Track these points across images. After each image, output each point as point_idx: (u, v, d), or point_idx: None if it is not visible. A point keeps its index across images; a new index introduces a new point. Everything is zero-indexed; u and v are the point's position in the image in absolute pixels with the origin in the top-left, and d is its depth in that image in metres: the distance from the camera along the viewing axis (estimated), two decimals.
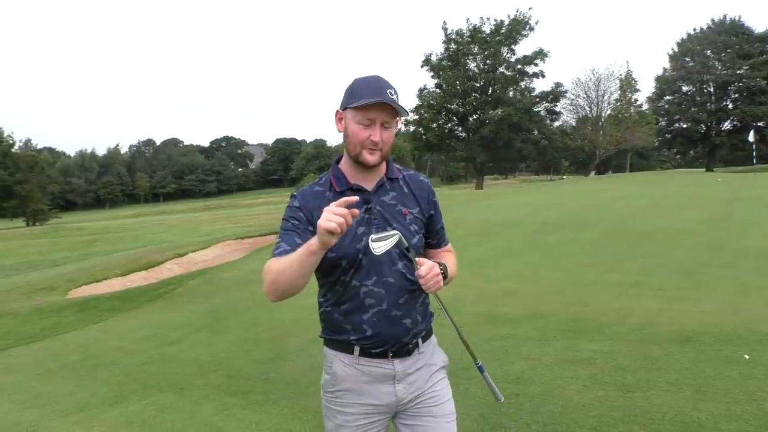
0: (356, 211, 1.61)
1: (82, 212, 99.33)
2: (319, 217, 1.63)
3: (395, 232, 1.79)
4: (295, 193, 1.98)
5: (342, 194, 1.89)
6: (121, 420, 4.63)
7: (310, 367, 5.47)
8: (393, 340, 1.92)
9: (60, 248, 29.96)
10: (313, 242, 1.65)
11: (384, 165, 1.99)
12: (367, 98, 1.82)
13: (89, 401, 5.22)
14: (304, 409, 4.40)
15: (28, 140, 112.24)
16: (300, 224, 1.89)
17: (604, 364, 4.78)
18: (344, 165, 1.99)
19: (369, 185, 1.96)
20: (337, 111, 1.95)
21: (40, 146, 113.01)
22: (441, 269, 1.88)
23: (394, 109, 1.85)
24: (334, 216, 1.57)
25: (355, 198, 1.64)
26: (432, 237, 2.09)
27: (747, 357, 4.64)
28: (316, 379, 5.05)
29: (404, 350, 1.95)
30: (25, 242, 35.35)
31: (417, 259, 1.84)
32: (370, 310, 1.89)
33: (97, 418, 4.76)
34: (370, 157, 1.88)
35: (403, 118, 1.99)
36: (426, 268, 1.80)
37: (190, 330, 7.86)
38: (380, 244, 1.75)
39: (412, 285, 1.92)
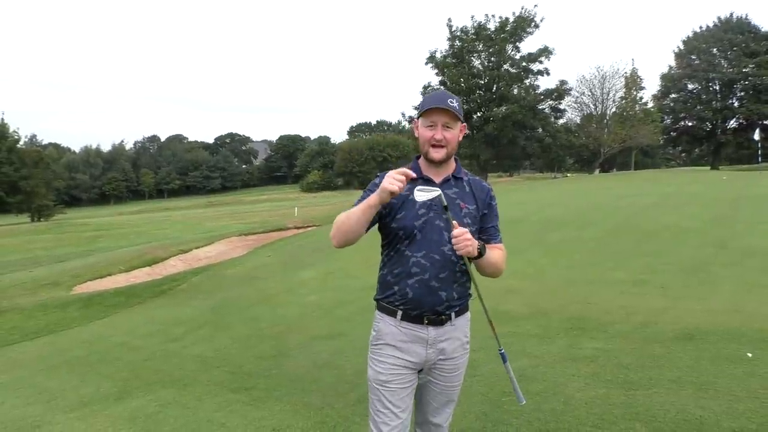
0: (412, 174, 2.13)
1: (87, 208, 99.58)
2: None
3: (437, 189, 2.18)
4: (379, 174, 2.34)
5: (414, 181, 2.30)
6: (125, 415, 4.65)
7: (313, 364, 5.49)
8: (428, 307, 2.32)
9: (65, 244, 30.08)
10: (373, 197, 2.17)
11: (453, 165, 2.44)
12: (429, 105, 2.30)
13: (93, 397, 5.25)
14: (306, 406, 4.42)
15: (34, 136, 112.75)
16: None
17: (607, 361, 4.78)
18: (421, 161, 2.43)
19: (437, 179, 2.39)
20: (414, 120, 2.45)
21: (45, 142, 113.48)
22: (479, 246, 2.25)
23: (454, 114, 2.29)
24: (394, 180, 2.09)
25: (412, 174, 2.14)
26: (483, 233, 2.46)
27: (750, 355, 4.63)
28: (319, 376, 5.05)
29: (438, 320, 2.35)
30: (30, 238, 35.48)
31: (454, 222, 2.19)
32: (414, 277, 2.31)
33: (101, 413, 4.78)
34: (435, 154, 2.33)
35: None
36: (461, 230, 2.18)
37: (193, 326, 7.89)
38: (422, 194, 2.15)
39: (455, 265, 2.33)
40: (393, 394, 2.35)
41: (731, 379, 4.18)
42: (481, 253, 2.27)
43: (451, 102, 2.30)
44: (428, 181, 2.36)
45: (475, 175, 2.54)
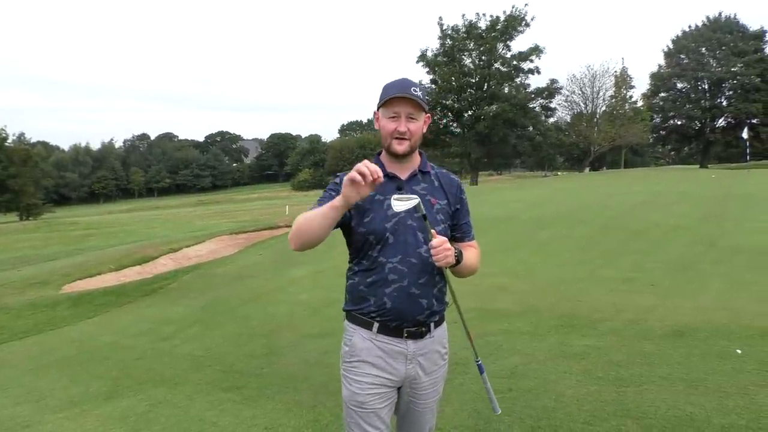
0: (379, 171, 1.85)
1: (76, 207, 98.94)
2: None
3: (416, 197, 1.96)
4: (339, 174, 2.19)
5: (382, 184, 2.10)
6: (115, 415, 4.62)
7: (304, 363, 5.48)
8: (409, 316, 2.14)
9: (54, 243, 29.87)
10: (337, 199, 1.93)
11: (418, 159, 2.25)
12: (391, 94, 2.10)
13: (83, 396, 5.21)
14: (298, 404, 4.41)
15: (22, 134, 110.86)
16: (335, 194, 2.07)
17: (597, 359, 4.80)
18: (383, 156, 2.24)
19: (403, 175, 2.21)
20: (374, 112, 2.22)
21: (33, 140, 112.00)
22: (456, 253, 2.08)
23: (418, 104, 2.10)
24: (361, 168, 1.84)
25: (381, 175, 1.87)
26: (457, 230, 2.30)
27: (739, 352, 4.67)
28: (310, 375, 5.03)
29: (418, 332, 2.17)
30: (18, 237, 35.20)
31: (433, 231, 2.03)
32: (392, 285, 2.12)
33: (90, 413, 4.75)
34: (398, 147, 2.14)
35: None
36: (440, 240, 2.02)
37: (183, 325, 7.85)
38: (400, 203, 1.94)
39: (433, 269, 2.13)
40: (371, 416, 2.15)
41: (721, 376, 4.21)
42: (458, 260, 2.12)
43: (415, 90, 2.10)
44: (394, 178, 2.19)
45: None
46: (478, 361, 2.38)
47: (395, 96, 2.09)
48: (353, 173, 1.84)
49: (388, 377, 2.17)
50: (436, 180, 2.27)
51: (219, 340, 6.83)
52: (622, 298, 6.77)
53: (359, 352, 2.17)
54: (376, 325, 2.15)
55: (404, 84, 2.13)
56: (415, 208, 1.97)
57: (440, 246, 2.01)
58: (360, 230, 2.14)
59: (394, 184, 2.18)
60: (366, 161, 1.89)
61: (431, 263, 2.09)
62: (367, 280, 2.15)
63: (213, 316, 8.27)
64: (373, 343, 2.16)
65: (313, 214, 2.01)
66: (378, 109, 2.18)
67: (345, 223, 2.16)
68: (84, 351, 7.10)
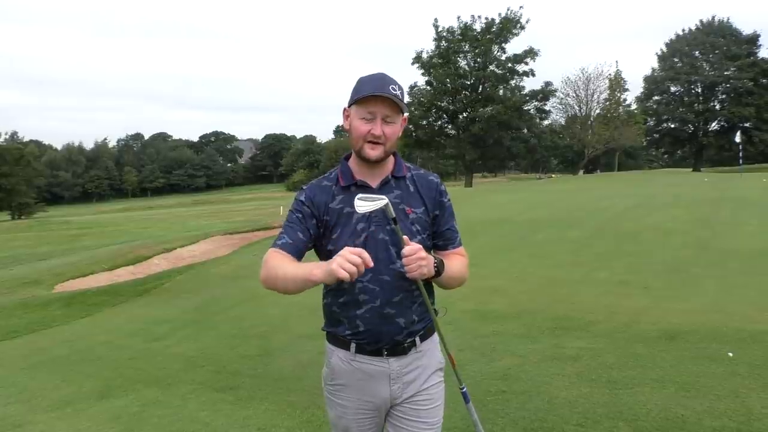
0: (370, 262, 1.65)
1: (69, 206, 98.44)
2: (325, 212, 1.90)
3: (384, 197, 1.75)
4: (303, 187, 2.01)
5: (347, 189, 1.95)
6: (107, 415, 4.60)
7: (298, 363, 5.47)
8: (386, 338, 1.93)
9: (46, 242, 29.71)
10: (318, 274, 1.71)
11: (391, 163, 2.00)
12: (367, 92, 1.85)
13: (75, 396, 5.19)
14: (291, 405, 4.40)
15: (14, 133, 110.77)
16: (304, 218, 1.94)
17: (590, 361, 4.82)
18: (352, 161, 2.00)
19: (374, 182, 1.96)
20: (345, 109, 1.97)
21: (26, 139, 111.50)
22: (436, 262, 1.87)
23: (396, 105, 1.86)
24: (347, 264, 1.61)
25: (370, 263, 1.65)
26: (439, 238, 2.05)
27: (731, 354, 4.69)
28: (304, 375, 5.02)
29: (399, 349, 1.95)
30: (10, 236, 35.02)
31: (405, 237, 1.79)
32: (363, 306, 1.91)
33: (83, 412, 4.73)
34: (371, 152, 1.89)
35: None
36: (412, 248, 1.76)
37: (177, 325, 7.84)
38: (364, 204, 1.73)
39: (410, 284, 1.91)
40: None
41: (713, 378, 4.23)
42: (438, 271, 1.88)
43: (394, 89, 1.85)
44: (364, 187, 1.93)
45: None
46: (462, 389, 2.18)
47: (372, 95, 1.84)
48: (340, 270, 1.61)
49: (370, 400, 1.99)
50: (411, 185, 2.00)
51: (212, 340, 6.81)
52: (615, 301, 6.80)
53: (339, 376, 2.01)
54: (353, 345, 1.96)
55: (382, 81, 1.87)
56: (383, 210, 1.76)
57: (413, 255, 1.75)
58: (329, 248, 1.92)
59: (363, 193, 1.89)
60: (349, 252, 1.64)
61: (407, 279, 1.84)
62: (339, 301, 1.96)
63: (207, 316, 8.25)
64: (352, 365, 1.98)
65: (286, 273, 1.80)
66: (349, 106, 1.93)
67: (314, 243, 1.98)
68: (76, 351, 7.07)
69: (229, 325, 7.47)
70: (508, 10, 43.61)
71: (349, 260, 1.61)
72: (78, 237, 31.63)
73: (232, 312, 8.28)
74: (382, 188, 1.94)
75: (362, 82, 1.90)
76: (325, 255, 1.94)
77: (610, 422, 3.63)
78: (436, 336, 2.08)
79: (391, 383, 1.96)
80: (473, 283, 8.58)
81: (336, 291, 1.95)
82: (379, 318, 1.91)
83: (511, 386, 4.36)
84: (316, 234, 1.94)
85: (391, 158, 2.00)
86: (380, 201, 1.73)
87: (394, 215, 1.78)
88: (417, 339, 1.98)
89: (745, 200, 14.67)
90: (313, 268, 1.74)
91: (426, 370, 2.01)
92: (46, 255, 22.29)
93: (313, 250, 2.01)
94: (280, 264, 1.83)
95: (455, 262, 2.02)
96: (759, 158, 50.43)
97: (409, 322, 1.94)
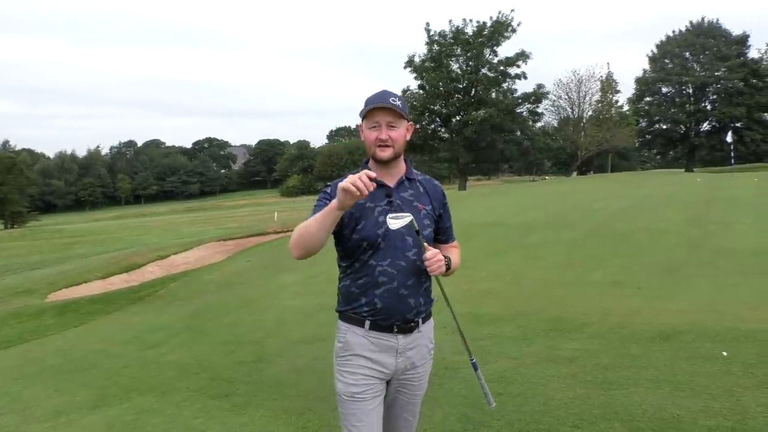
0: (373, 184, 2.02)
1: (62, 214, 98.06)
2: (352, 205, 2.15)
3: (409, 215, 2.15)
4: (329, 184, 2.33)
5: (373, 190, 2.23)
6: (102, 424, 4.58)
7: (293, 369, 5.46)
8: (398, 315, 2.29)
9: (39, 251, 29.56)
10: (333, 203, 2.08)
11: (404, 166, 2.41)
12: (371, 106, 2.25)
13: (69, 405, 5.16)
14: (287, 411, 4.39)
15: (6, 142, 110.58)
16: (328, 202, 2.21)
17: (585, 362, 4.83)
18: (371, 164, 2.38)
19: (391, 182, 2.35)
20: (359, 125, 2.38)
21: (18, 148, 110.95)
22: (446, 261, 2.26)
23: (398, 113, 2.25)
24: (357, 180, 1.98)
25: (373, 174, 2.04)
26: (440, 233, 2.49)
27: (725, 354, 4.71)
28: (299, 381, 5.00)
29: (407, 327, 2.33)
30: (3, 245, 34.81)
31: (425, 243, 2.22)
32: (382, 286, 2.27)
33: (77, 422, 4.70)
34: (382, 153, 2.28)
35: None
36: (432, 252, 2.20)
37: (171, 332, 7.80)
38: (395, 221, 2.13)
39: (420, 270, 2.29)
40: (366, 405, 2.29)
41: (707, 378, 4.25)
42: (448, 266, 2.30)
43: (394, 100, 2.26)
44: (382, 186, 2.31)
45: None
46: (472, 360, 2.50)
47: (375, 107, 2.24)
48: (348, 184, 1.97)
49: (379, 369, 2.31)
50: (421, 186, 2.43)
51: (207, 347, 6.78)
52: (609, 302, 6.81)
53: (353, 347, 2.32)
54: (368, 323, 2.30)
55: (383, 95, 2.29)
56: (410, 225, 2.14)
57: (434, 258, 2.19)
58: (354, 237, 2.28)
59: (383, 191, 2.30)
60: (362, 173, 2.01)
61: (418, 266, 2.27)
62: (359, 282, 2.31)
63: (201, 323, 8.22)
64: (366, 339, 2.30)
65: (311, 220, 2.16)
66: (361, 122, 2.34)
67: (336, 231, 2.27)
68: (70, 360, 7.03)
69: (224, 332, 7.44)
70: (499, 13, 43.67)
71: (355, 183, 1.97)
72: (71, 245, 31.48)
73: (226, 318, 8.26)
74: (398, 187, 2.35)
75: (368, 100, 2.30)
76: (352, 243, 2.29)
77: (606, 423, 3.64)
78: (432, 320, 2.47)
79: (397, 357, 2.33)
80: (468, 286, 8.60)
81: (357, 273, 2.30)
82: (395, 297, 2.27)
83: (506, 388, 4.37)
84: (337, 223, 2.21)
85: (404, 163, 2.40)
86: (407, 218, 2.14)
87: (418, 228, 2.18)
88: (420, 320, 2.36)
89: (737, 200, 14.75)
90: (329, 204, 2.11)
91: (423, 348, 2.41)
92: (39, 264, 22.18)
93: (333, 244, 2.37)
94: (304, 224, 2.18)
95: (455, 254, 2.46)
96: (750, 158, 50.66)
97: (417, 303, 2.33)
